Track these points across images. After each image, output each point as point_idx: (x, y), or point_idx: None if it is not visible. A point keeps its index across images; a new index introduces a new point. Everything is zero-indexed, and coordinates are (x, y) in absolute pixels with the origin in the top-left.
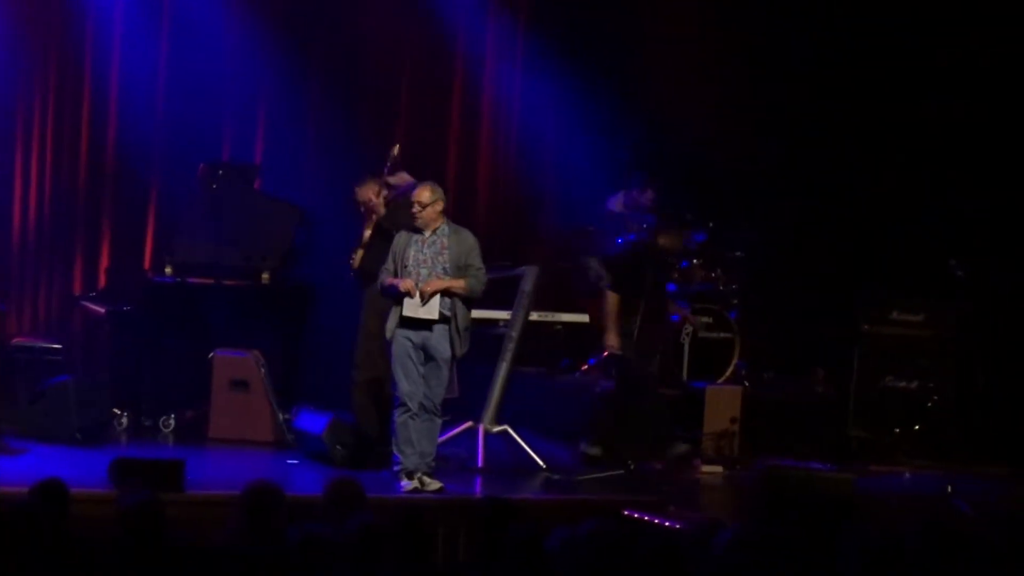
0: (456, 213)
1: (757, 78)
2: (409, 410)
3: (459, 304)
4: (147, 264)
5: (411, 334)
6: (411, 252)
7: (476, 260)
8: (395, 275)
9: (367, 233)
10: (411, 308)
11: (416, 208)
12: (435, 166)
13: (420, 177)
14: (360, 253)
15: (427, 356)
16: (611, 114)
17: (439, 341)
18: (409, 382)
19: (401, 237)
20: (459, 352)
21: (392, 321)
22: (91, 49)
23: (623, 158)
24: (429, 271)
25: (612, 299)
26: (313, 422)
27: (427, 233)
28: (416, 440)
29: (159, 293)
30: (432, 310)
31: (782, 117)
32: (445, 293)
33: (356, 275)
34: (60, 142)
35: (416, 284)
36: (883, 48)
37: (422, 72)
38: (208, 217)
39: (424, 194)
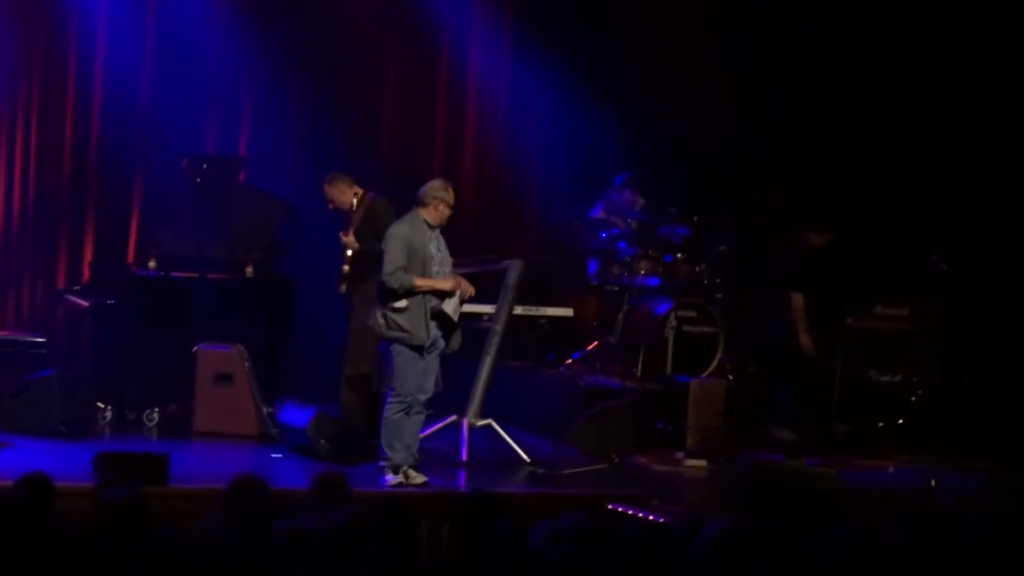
0: None
1: (742, 69)
2: (407, 407)
3: None
4: (131, 257)
5: (433, 332)
6: (431, 249)
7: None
8: (419, 273)
9: (348, 239)
10: (452, 307)
11: (446, 207)
12: (420, 159)
13: (406, 171)
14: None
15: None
16: (597, 108)
17: (443, 336)
18: (413, 379)
19: (408, 232)
20: (455, 347)
21: (423, 319)
22: (75, 42)
23: (608, 152)
24: (447, 270)
25: (797, 300)
26: (298, 416)
27: (436, 230)
28: (407, 436)
29: (143, 287)
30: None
31: (767, 108)
32: None
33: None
34: (44, 136)
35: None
36: (868, 41)
37: (407, 64)
38: (192, 210)
39: (451, 193)
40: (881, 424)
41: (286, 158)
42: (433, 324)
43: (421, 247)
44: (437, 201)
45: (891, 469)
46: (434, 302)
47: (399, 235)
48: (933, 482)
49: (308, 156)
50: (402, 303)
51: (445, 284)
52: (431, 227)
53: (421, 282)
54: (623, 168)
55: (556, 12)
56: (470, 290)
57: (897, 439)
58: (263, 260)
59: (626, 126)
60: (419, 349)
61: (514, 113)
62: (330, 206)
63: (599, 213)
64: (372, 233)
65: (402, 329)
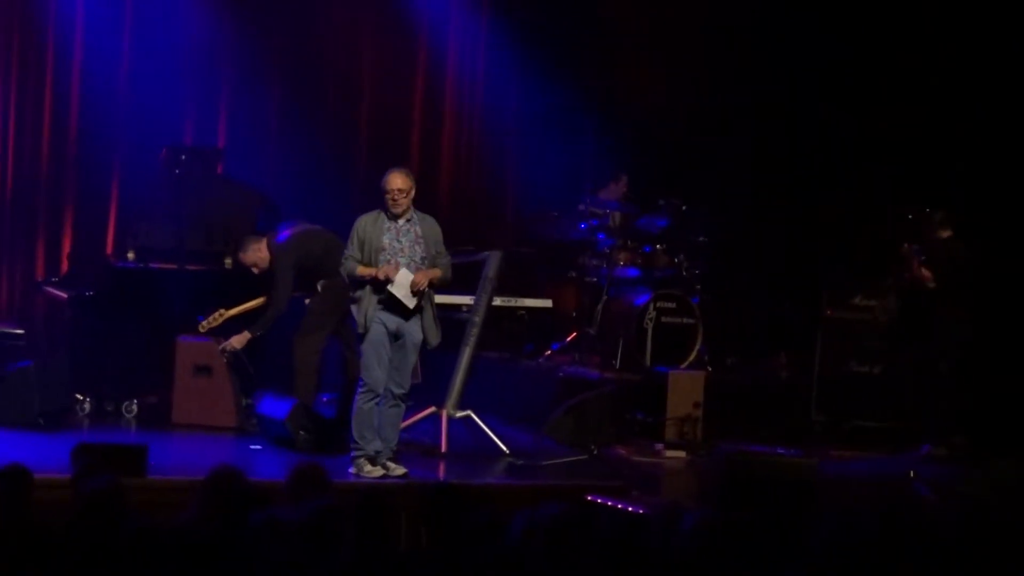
0: (419, 198)
1: (721, 61)
2: (376, 396)
3: (431, 294)
4: (109, 249)
5: (387, 320)
6: (385, 239)
7: (443, 248)
8: (366, 262)
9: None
10: (402, 293)
11: (395, 195)
12: (398, 151)
13: (384, 162)
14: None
15: (397, 341)
16: (575, 99)
17: (412, 327)
18: (380, 369)
19: (367, 222)
20: (434, 342)
21: (369, 309)
22: (53, 33)
23: (587, 144)
24: (408, 259)
25: None
26: (276, 407)
27: (400, 221)
28: (380, 426)
29: (121, 278)
30: (415, 299)
31: (746, 101)
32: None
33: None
34: (22, 127)
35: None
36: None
37: (385, 56)
38: (171, 202)
39: (399, 180)
40: (860, 414)
41: (264, 150)
42: (393, 315)
43: (373, 238)
44: (384, 192)
45: (870, 459)
46: (385, 293)
47: (356, 226)
48: (912, 473)
49: (286, 148)
50: (357, 293)
51: (370, 271)
52: (393, 218)
53: (360, 270)
54: (603, 160)
55: (534, 3)
56: (389, 274)
57: (876, 429)
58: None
59: (606, 118)
60: (372, 337)
61: (493, 104)
62: (255, 271)
63: (581, 206)
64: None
65: (355, 318)
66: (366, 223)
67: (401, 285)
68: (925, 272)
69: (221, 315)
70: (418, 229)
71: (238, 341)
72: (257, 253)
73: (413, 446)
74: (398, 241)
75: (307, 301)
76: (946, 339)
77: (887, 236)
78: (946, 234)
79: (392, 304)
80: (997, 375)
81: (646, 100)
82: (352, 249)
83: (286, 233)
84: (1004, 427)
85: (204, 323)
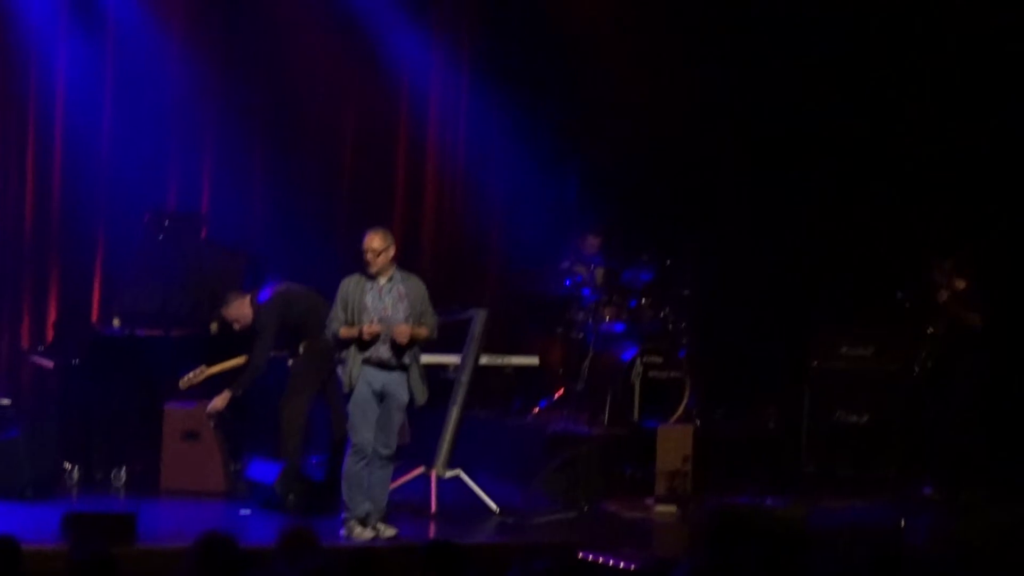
0: (403, 256)
1: (702, 114)
2: (365, 457)
3: (417, 352)
4: (95, 316)
5: (372, 380)
6: (368, 299)
7: (429, 306)
8: (350, 323)
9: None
10: (381, 352)
11: (369, 255)
12: (381, 209)
13: (367, 221)
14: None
15: (383, 402)
16: (559, 153)
17: (398, 387)
18: (367, 429)
19: (350, 283)
20: (421, 400)
21: (354, 368)
22: (34, 98)
23: (571, 198)
24: (391, 318)
25: None
26: (265, 471)
27: (382, 280)
28: (369, 487)
29: (107, 345)
30: (399, 356)
31: (730, 152)
32: (409, 341)
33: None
34: (5, 196)
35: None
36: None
37: (366, 115)
38: (155, 267)
39: (375, 241)
40: (849, 464)
41: (248, 211)
42: (376, 372)
43: (355, 299)
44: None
45: (860, 508)
46: (368, 352)
47: (339, 289)
48: (903, 522)
49: (270, 209)
50: (342, 353)
51: (352, 332)
52: (376, 278)
53: (343, 331)
54: (587, 215)
55: (515, 58)
56: (375, 331)
57: (866, 478)
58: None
59: (590, 173)
60: (357, 397)
61: (476, 162)
62: (236, 327)
63: (565, 263)
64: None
65: (341, 379)
66: (349, 284)
67: (382, 348)
68: (970, 314)
69: (203, 371)
70: (401, 288)
71: (220, 401)
72: (240, 308)
73: (403, 507)
74: (380, 300)
75: (290, 362)
76: (963, 386)
77: (877, 285)
78: (962, 285)
79: (372, 365)
80: (1004, 423)
81: (630, 154)
82: (337, 310)
83: (270, 291)
84: (1004, 475)
85: (185, 379)
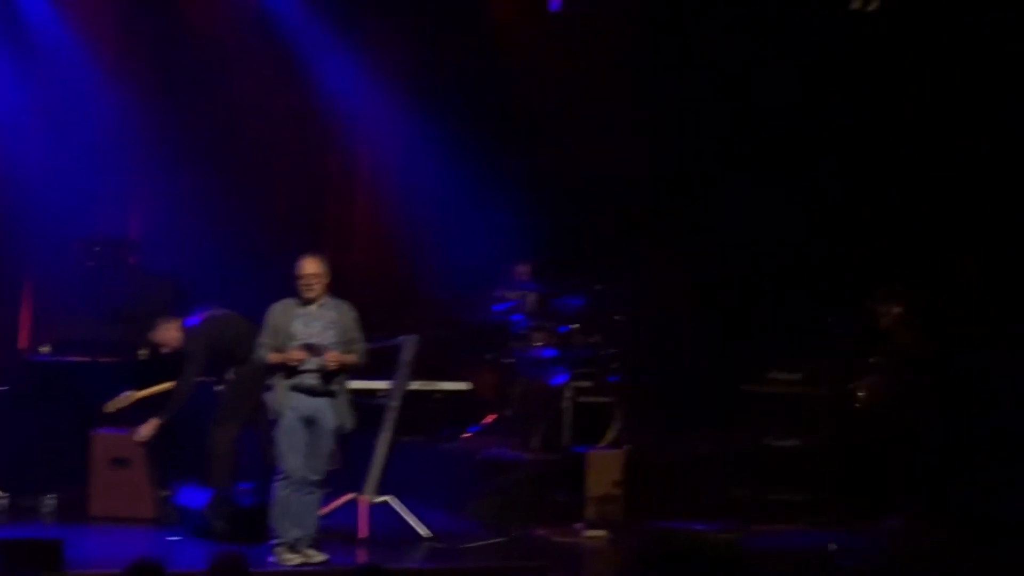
0: (334, 283)
1: (634, 140)
2: (294, 483)
3: (344, 378)
4: (23, 343)
5: (300, 407)
6: (297, 325)
7: (358, 333)
8: (278, 349)
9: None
10: (308, 378)
11: (307, 280)
12: (312, 235)
13: (298, 248)
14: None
15: (312, 427)
16: (491, 182)
17: (326, 413)
18: (295, 455)
19: (278, 310)
20: (349, 426)
21: (281, 395)
22: None
23: (503, 227)
24: (320, 345)
25: None
26: (194, 497)
27: (312, 306)
28: (298, 513)
29: (36, 372)
30: (326, 382)
31: (660, 178)
32: (338, 368)
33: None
34: None
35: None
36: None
37: (298, 142)
38: (84, 294)
39: (314, 266)
40: (779, 488)
41: (178, 238)
42: (304, 398)
43: (283, 325)
44: (296, 278)
45: (791, 533)
46: (296, 379)
47: (267, 315)
48: (832, 546)
49: (200, 236)
50: (270, 380)
51: (280, 358)
52: (306, 303)
53: (271, 357)
54: (519, 242)
55: (450, 84)
56: (299, 358)
57: (796, 503)
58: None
59: (521, 201)
60: (285, 424)
61: (408, 188)
62: (165, 350)
63: (497, 290)
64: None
65: (270, 405)
66: (277, 311)
67: (310, 374)
68: (917, 340)
69: (129, 396)
70: (331, 314)
71: (148, 429)
72: (168, 332)
73: (333, 533)
74: (309, 327)
75: (219, 388)
76: (915, 413)
77: (806, 312)
78: (896, 310)
79: (300, 391)
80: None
81: (563, 180)
82: (266, 337)
83: (199, 317)
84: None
85: (111, 403)
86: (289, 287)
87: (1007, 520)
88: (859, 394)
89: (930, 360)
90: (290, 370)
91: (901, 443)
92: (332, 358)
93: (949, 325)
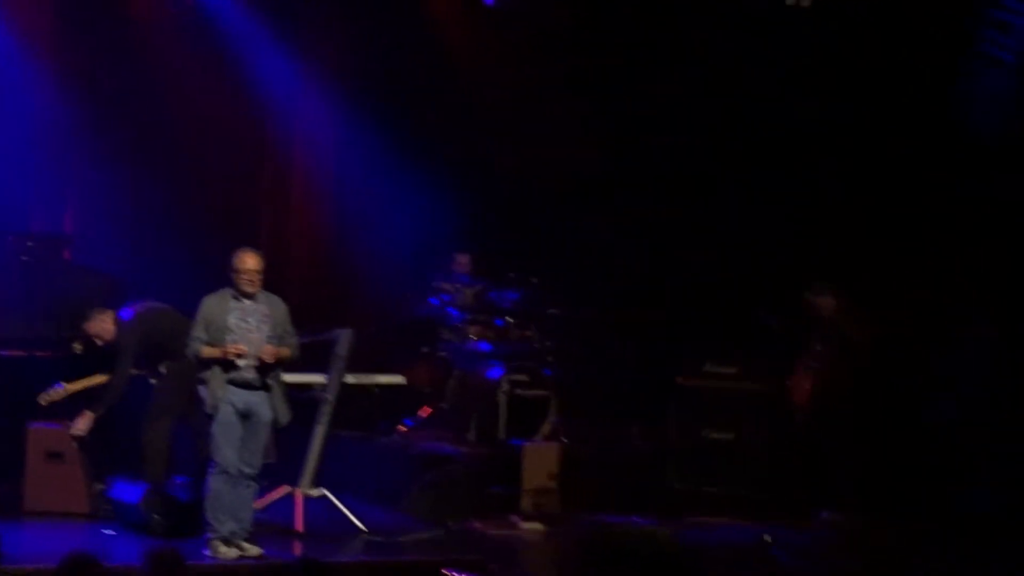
0: (269, 278)
1: (569, 133)
2: (229, 477)
3: (279, 372)
4: None
5: (236, 400)
6: (231, 319)
7: (290, 326)
8: (212, 342)
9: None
10: (245, 372)
11: (251, 275)
12: (248, 230)
13: (234, 242)
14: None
15: (247, 421)
16: (427, 175)
17: (262, 406)
18: (231, 449)
19: (212, 303)
20: (284, 420)
21: (218, 389)
22: None
23: (440, 219)
24: (256, 339)
25: None
26: (129, 492)
27: (246, 300)
28: (233, 507)
29: None
30: (263, 375)
31: (596, 172)
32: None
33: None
34: None
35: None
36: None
37: (233, 137)
38: (17, 289)
39: (253, 260)
40: (715, 481)
41: (113, 233)
42: (240, 392)
43: (218, 318)
44: (233, 272)
45: (727, 526)
46: (233, 372)
47: (201, 308)
48: (767, 539)
49: (134, 231)
50: (205, 373)
51: (216, 352)
52: (240, 298)
53: (205, 351)
54: (457, 235)
55: (388, 78)
56: (241, 351)
57: (731, 496)
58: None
59: (457, 193)
60: (222, 418)
61: (345, 182)
62: (99, 342)
63: (434, 282)
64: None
65: (205, 399)
66: (211, 304)
67: (247, 367)
68: (859, 330)
69: (63, 390)
70: (264, 308)
71: (83, 423)
72: (102, 324)
73: (268, 526)
74: (244, 321)
75: (152, 381)
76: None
77: (741, 305)
78: (833, 302)
79: (236, 385)
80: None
81: (498, 173)
82: (199, 330)
83: (132, 310)
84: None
85: (44, 395)
86: (223, 281)
87: (948, 514)
88: (796, 386)
89: (870, 350)
90: (226, 364)
91: (838, 435)
92: (269, 352)
93: (887, 318)
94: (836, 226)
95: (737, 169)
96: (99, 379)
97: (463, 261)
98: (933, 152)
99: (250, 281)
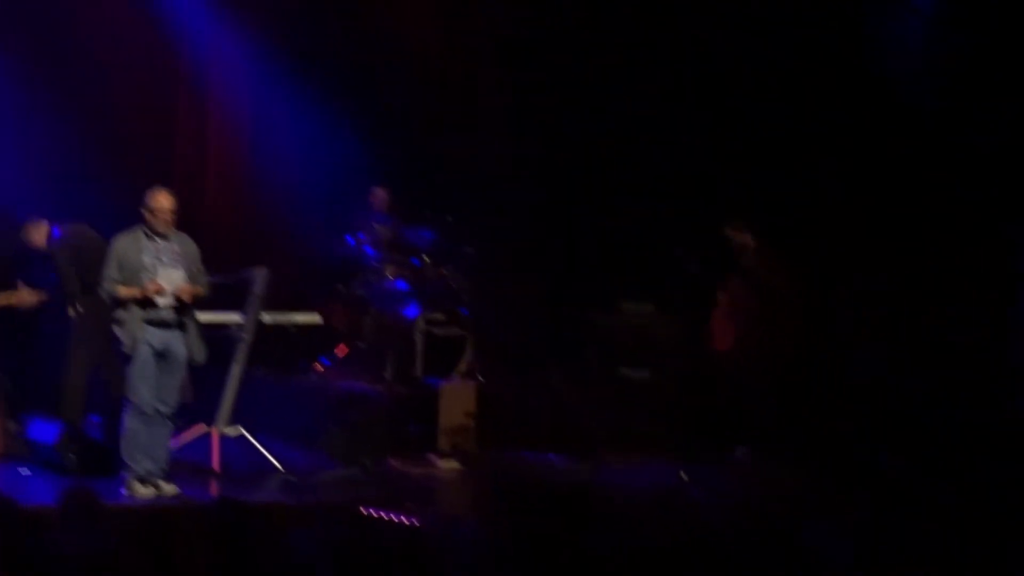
0: (185, 216)
1: (487, 74)
2: (144, 416)
3: (194, 311)
4: None
5: (153, 340)
6: (145, 258)
7: (201, 265)
8: (126, 282)
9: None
10: (162, 311)
11: (165, 216)
12: (162, 170)
13: (147, 181)
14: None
15: (163, 360)
16: (341, 112)
17: (177, 345)
18: (146, 388)
19: (126, 243)
20: (200, 358)
21: (135, 328)
22: None
23: (356, 159)
24: (176, 276)
25: None
26: (45, 431)
27: (159, 240)
28: (149, 446)
29: None
30: (180, 314)
31: (512, 112)
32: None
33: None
34: None
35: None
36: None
37: (147, 76)
38: None
39: (167, 200)
40: (631, 419)
41: (23, 175)
42: (157, 331)
43: (133, 258)
44: (146, 211)
45: (643, 464)
46: (150, 312)
47: (113, 248)
48: (683, 475)
49: (46, 172)
50: (120, 313)
51: (133, 292)
52: (153, 237)
53: (122, 291)
54: (373, 175)
55: (301, 13)
56: (163, 290)
57: (648, 434)
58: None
59: (372, 131)
60: (140, 357)
61: (260, 122)
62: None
63: (352, 219)
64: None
65: (120, 339)
66: (124, 243)
67: (164, 303)
68: (775, 275)
69: None
70: (176, 247)
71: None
72: (37, 233)
73: (185, 465)
74: (159, 260)
75: (71, 312)
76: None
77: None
78: (748, 241)
79: (153, 324)
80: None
81: (413, 111)
82: (111, 270)
83: (62, 230)
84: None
85: None
86: (136, 220)
87: (859, 458)
88: (717, 327)
89: (787, 294)
90: (144, 303)
91: (756, 377)
92: (187, 290)
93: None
94: (756, 166)
95: (657, 99)
96: (11, 298)
97: (380, 195)
98: (845, 98)
99: (164, 221)
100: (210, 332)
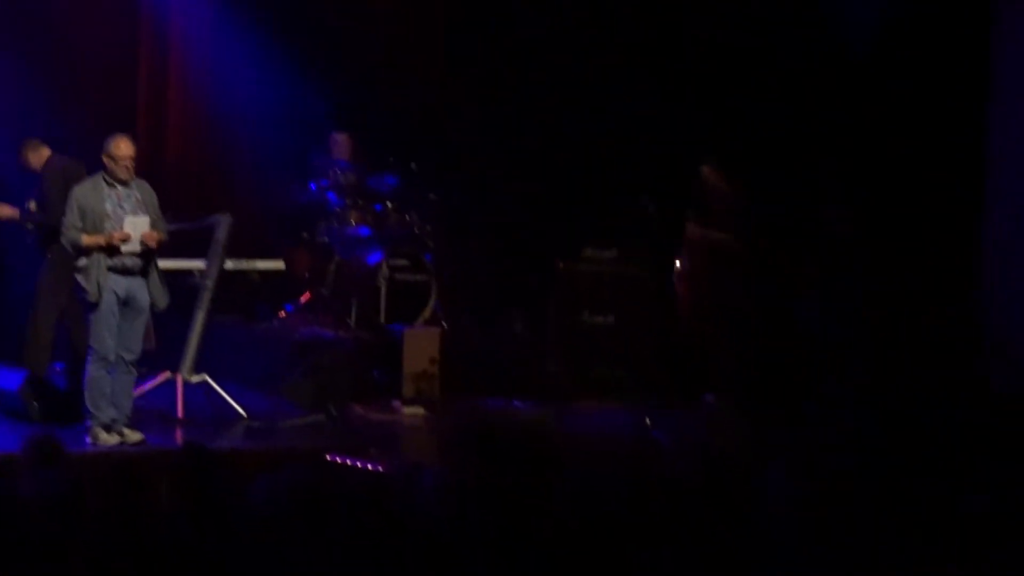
0: (148, 163)
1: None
2: (107, 363)
3: (155, 257)
4: None
5: (116, 287)
6: (107, 206)
7: (159, 212)
8: (89, 230)
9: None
10: (127, 259)
11: (128, 163)
12: (125, 115)
13: (108, 127)
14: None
15: (127, 307)
16: (302, 57)
17: (141, 292)
18: (109, 336)
19: (87, 190)
20: (162, 304)
21: (100, 276)
22: None
23: (319, 105)
24: (140, 222)
25: None
26: (7, 379)
27: (120, 187)
28: (113, 393)
29: None
30: (145, 261)
31: (475, 58)
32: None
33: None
34: None
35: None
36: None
37: (107, 24)
38: None
39: (127, 147)
40: (595, 365)
41: None
42: (120, 279)
43: (95, 206)
44: (106, 158)
45: (607, 410)
46: (115, 259)
47: (74, 195)
48: (648, 421)
49: (6, 125)
50: (82, 262)
51: (98, 239)
52: (114, 184)
53: (86, 239)
54: (335, 121)
55: None
56: (126, 236)
57: (612, 380)
58: None
59: (335, 76)
60: (103, 305)
61: (222, 70)
62: (24, 169)
63: (314, 168)
64: (56, 198)
65: (83, 288)
66: (86, 191)
67: (129, 251)
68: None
69: None
70: (137, 194)
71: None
72: (36, 153)
73: (149, 412)
74: (121, 207)
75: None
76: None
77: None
78: (727, 187)
79: (116, 272)
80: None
81: (375, 57)
82: (73, 218)
83: (61, 161)
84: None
85: None
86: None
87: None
88: (682, 276)
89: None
90: (109, 250)
91: (720, 322)
92: (151, 237)
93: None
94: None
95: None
96: None
97: (342, 140)
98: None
99: (126, 168)
100: (173, 279)
